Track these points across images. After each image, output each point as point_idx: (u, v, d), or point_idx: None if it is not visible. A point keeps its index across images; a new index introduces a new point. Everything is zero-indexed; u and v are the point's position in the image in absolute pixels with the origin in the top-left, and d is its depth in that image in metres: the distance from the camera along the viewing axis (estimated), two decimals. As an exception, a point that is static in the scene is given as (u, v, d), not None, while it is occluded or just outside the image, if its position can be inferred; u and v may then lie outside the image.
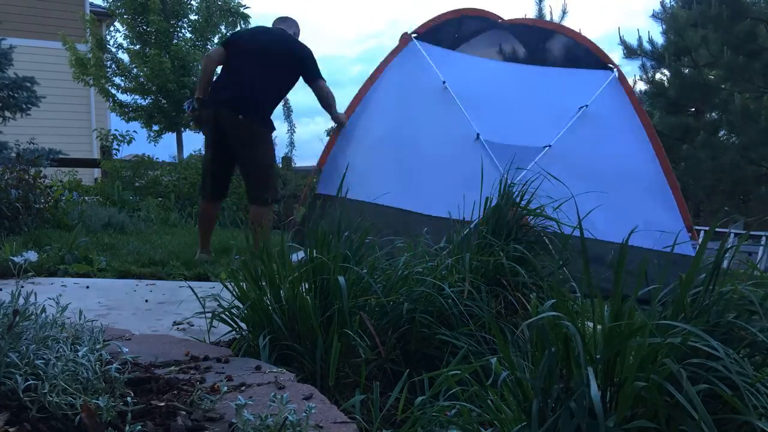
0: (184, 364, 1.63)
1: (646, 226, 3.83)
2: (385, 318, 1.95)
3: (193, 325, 2.34)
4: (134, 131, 9.83)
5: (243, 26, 10.21)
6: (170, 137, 10.53)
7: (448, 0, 5.56)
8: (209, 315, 2.00)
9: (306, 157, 12.44)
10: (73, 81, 10.38)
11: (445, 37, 5.29)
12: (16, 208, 4.73)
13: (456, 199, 4.10)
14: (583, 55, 5.12)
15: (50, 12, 12.23)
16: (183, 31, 10.16)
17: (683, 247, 4.06)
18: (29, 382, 1.15)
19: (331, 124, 5.02)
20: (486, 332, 1.89)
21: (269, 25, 4.38)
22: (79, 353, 1.25)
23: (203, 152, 4.68)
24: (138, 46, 9.88)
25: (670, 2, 12.64)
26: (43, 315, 1.39)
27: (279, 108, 9.84)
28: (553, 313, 1.18)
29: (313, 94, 4.24)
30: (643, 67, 12.31)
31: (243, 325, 1.97)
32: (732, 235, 8.53)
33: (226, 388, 1.34)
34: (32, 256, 1.37)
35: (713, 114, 12.19)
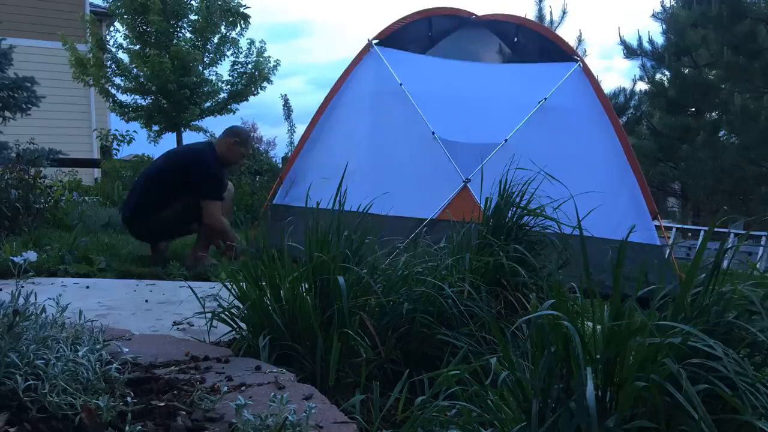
0: (184, 364, 1.63)
1: (610, 216, 3.84)
2: (385, 318, 1.94)
3: (193, 325, 2.34)
4: (134, 131, 9.86)
5: (243, 26, 10.22)
6: (170, 137, 10.53)
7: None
8: (209, 315, 2.00)
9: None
10: (73, 81, 10.37)
11: (415, 39, 5.30)
12: (16, 208, 4.73)
13: (417, 198, 4.12)
14: (551, 48, 5.16)
15: (50, 12, 12.23)
16: (183, 31, 10.15)
17: (646, 235, 4.11)
18: (29, 382, 1.15)
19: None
20: (486, 332, 1.89)
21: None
22: (79, 353, 1.25)
23: None
24: (138, 46, 9.87)
25: (670, 2, 12.64)
26: (43, 315, 1.39)
27: (280, 108, 9.82)
28: (552, 312, 1.18)
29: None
30: (643, 67, 12.31)
31: (243, 325, 1.97)
32: (732, 235, 8.55)
33: (226, 388, 1.34)
34: (32, 256, 1.38)
35: (713, 114, 12.18)
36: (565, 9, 12.64)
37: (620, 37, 12.48)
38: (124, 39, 10.16)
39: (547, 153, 4.11)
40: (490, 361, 1.36)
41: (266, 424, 1.13)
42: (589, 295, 1.25)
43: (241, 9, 10.12)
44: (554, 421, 1.12)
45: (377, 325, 1.88)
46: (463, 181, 4.08)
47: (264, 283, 1.93)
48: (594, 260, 1.30)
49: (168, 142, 10.59)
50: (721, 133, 11.28)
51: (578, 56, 5.10)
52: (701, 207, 13.04)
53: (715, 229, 1.34)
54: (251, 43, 10.35)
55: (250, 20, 10.23)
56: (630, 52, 12.41)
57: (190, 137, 10.27)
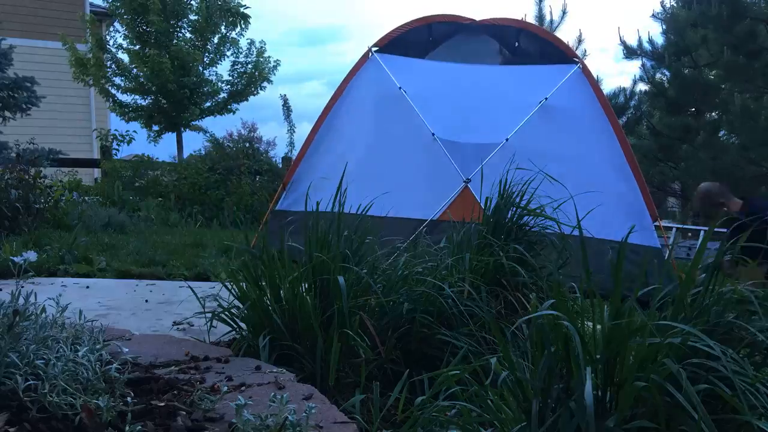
0: (184, 364, 1.63)
1: (609, 217, 3.85)
2: (385, 318, 1.94)
3: (193, 325, 2.34)
4: (134, 131, 9.86)
5: (243, 26, 10.21)
6: (170, 137, 10.54)
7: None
8: (209, 315, 2.00)
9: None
10: (73, 81, 10.38)
11: (415, 44, 5.33)
12: (16, 208, 4.73)
13: (419, 198, 4.14)
14: (552, 51, 5.19)
15: (50, 12, 12.22)
16: (183, 31, 10.16)
17: (646, 236, 4.12)
18: (29, 382, 1.15)
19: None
20: (486, 332, 1.89)
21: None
22: (79, 353, 1.25)
23: None
24: (138, 46, 9.88)
25: (670, 2, 12.63)
26: (43, 315, 1.39)
27: (279, 108, 9.82)
28: (552, 312, 1.18)
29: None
30: (643, 67, 12.29)
31: (243, 325, 1.97)
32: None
33: (226, 388, 1.34)
34: (32, 256, 1.37)
35: (713, 114, 12.16)
36: (565, 9, 12.62)
37: (620, 37, 12.47)
38: (124, 39, 10.18)
39: (547, 153, 4.13)
40: (490, 361, 1.36)
41: (266, 424, 1.13)
42: (588, 295, 1.25)
43: (242, 9, 10.12)
44: (554, 421, 1.12)
45: (377, 325, 1.88)
46: (464, 182, 4.09)
47: (264, 283, 1.93)
48: (594, 260, 1.30)
49: (168, 142, 10.60)
50: (721, 133, 11.27)
51: (578, 58, 5.14)
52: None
53: (715, 230, 1.34)
54: (251, 43, 10.36)
55: (250, 20, 10.24)
56: (630, 52, 12.39)
57: (190, 137, 10.28)
